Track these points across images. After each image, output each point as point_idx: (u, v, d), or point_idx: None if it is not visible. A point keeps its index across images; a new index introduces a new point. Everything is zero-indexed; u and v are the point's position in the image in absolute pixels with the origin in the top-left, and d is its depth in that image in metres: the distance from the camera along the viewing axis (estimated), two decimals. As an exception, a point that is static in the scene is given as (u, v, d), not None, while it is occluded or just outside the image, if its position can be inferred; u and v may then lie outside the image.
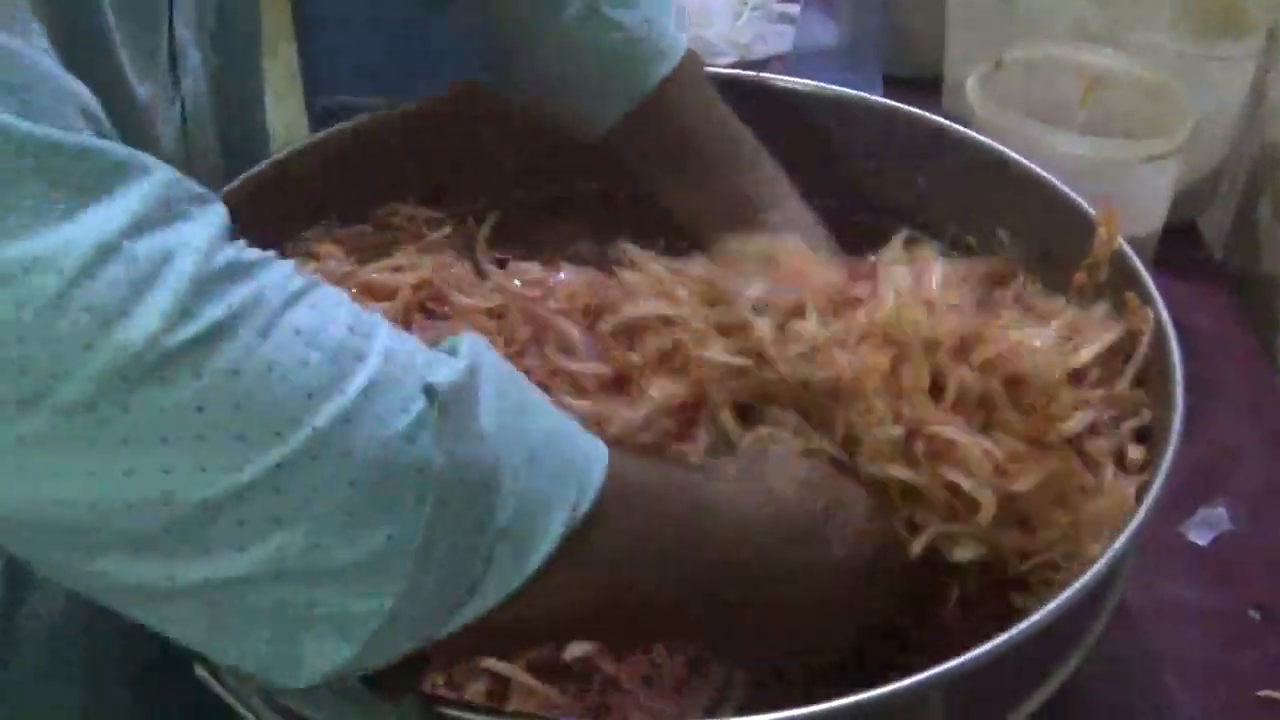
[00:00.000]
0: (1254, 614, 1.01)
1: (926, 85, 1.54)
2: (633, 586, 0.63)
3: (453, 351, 0.58)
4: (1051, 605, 0.67)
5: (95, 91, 0.55)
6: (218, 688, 0.70)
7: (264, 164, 0.98)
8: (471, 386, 0.56)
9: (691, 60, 1.03)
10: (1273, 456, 1.16)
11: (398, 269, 0.93)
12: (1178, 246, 1.33)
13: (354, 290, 0.88)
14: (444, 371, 0.55)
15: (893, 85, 1.48)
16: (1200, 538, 1.07)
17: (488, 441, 0.56)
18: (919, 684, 0.64)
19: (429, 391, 0.54)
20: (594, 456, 0.61)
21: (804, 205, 1.02)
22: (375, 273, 0.93)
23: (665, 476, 0.68)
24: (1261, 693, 0.95)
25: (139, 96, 0.81)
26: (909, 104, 1.09)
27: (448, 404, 0.54)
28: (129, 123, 0.80)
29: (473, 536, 0.55)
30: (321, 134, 1.03)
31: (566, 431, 0.61)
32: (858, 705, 0.63)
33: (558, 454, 0.59)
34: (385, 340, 0.55)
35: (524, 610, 0.57)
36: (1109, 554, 0.70)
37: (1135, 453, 0.83)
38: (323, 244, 0.98)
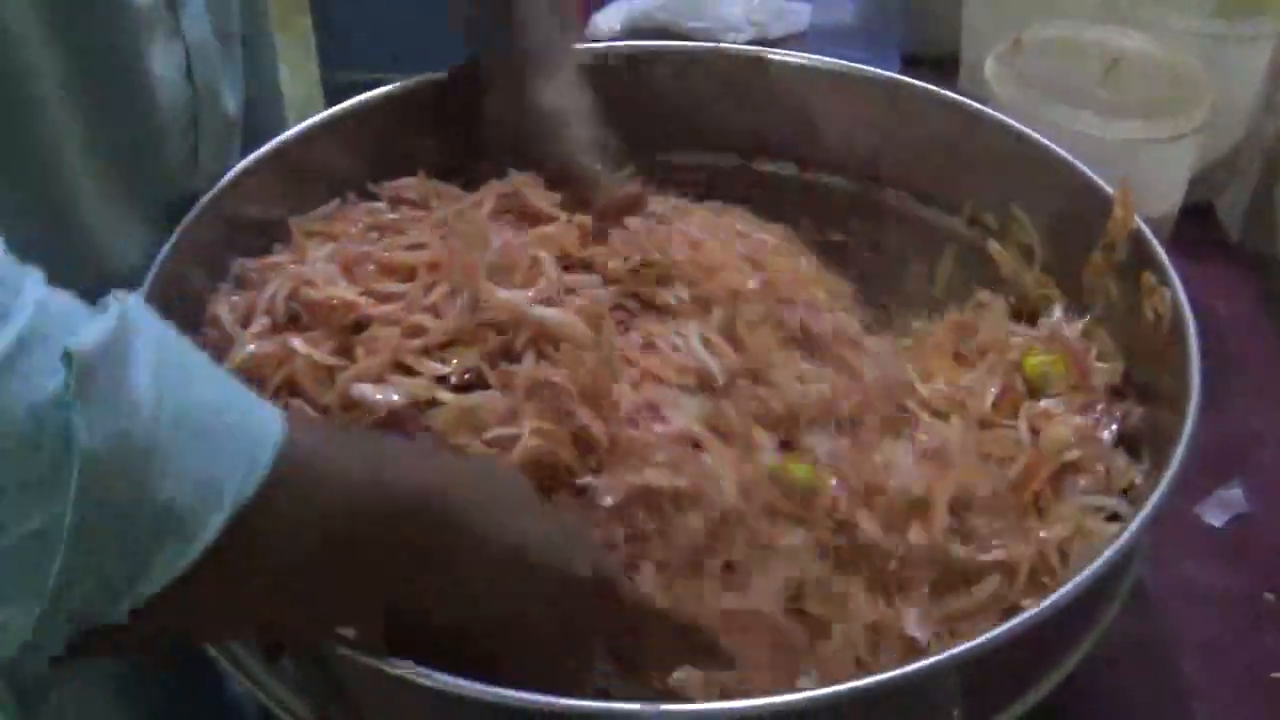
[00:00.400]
0: (1270, 596, 1.00)
1: (944, 64, 1.53)
2: (316, 562, 0.58)
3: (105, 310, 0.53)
4: (1067, 587, 0.67)
5: None
6: None
7: (278, 140, 0.98)
8: (120, 350, 0.51)
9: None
10: (1288, 439, 1.16)
11: (414, 247, 0.93)
12: (1195, 228, 1.32)
13: (372, 268, 0.88)
14: (88, 333, 0.50)
15: (910, 64, 1.48)
16: (1216, 519, 1.06)
17: (142, 411, 0.51)
18: (936, 665, 0.64)
19: (67, 356, 0.49)
20: (267, 427, 0.56)
21: (578, 74, 1.01)
22: (389, 250, 0.93)
23: (348, 446, 0.62)
24: (1275, 674, 0.94)
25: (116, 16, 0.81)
26: (925, 81, 1.09)
27: (93, 369, 0.49)
28: (102, 20, 0.80)
29: (133, 515, 0.51)
30: (336, 109, 1.03)
31: (238, 400, 0.57)
32: (876, 685, 0.63)
33: (226, 422, 0.55)
34: (37, 294, 0.50)
35: (203, 588, 0.54)
36: (1123, 538, 0.70)
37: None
38: (337, 222, 0.97)
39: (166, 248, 0.85)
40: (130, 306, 0.53)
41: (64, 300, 0.52)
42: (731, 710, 0.64)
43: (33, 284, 0.51)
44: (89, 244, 0.79)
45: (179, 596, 0.53)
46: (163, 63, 0.87)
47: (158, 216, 0.88)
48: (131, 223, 0.87)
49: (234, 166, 0.94)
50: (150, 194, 0.89)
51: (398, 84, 1.06)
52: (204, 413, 0.54)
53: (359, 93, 1.05)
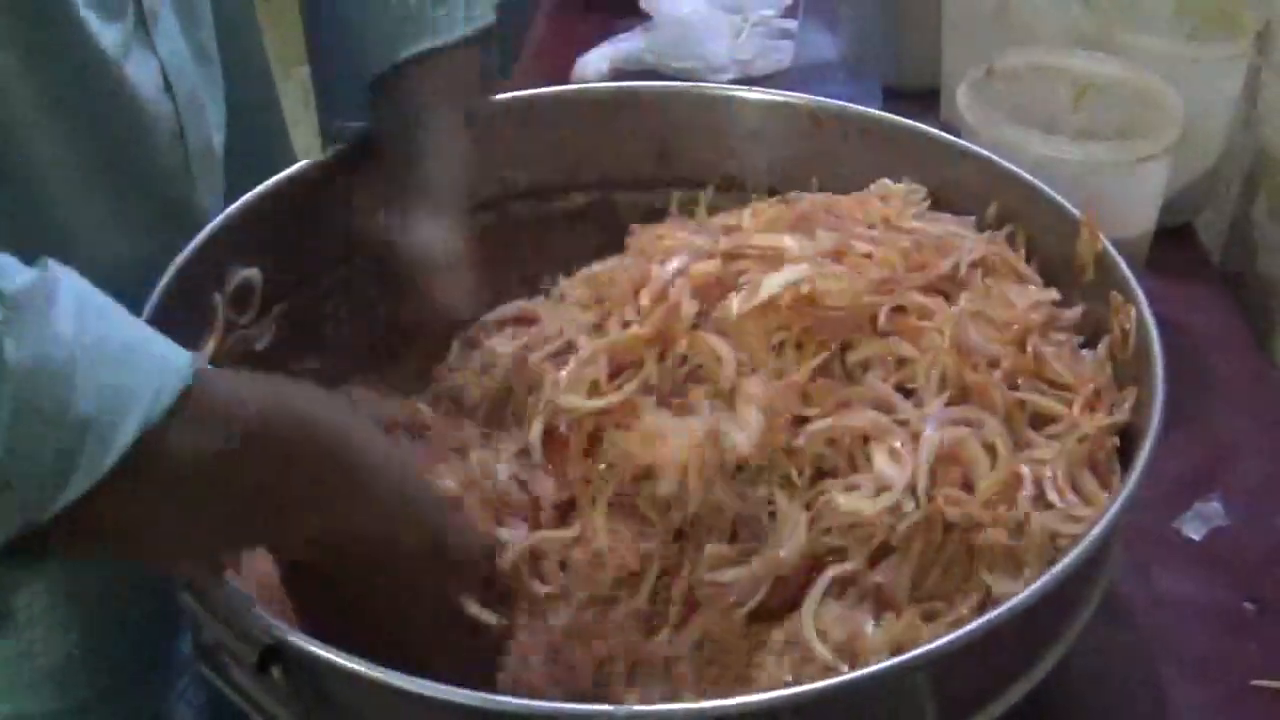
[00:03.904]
0: (1249, 606, 1.02)
1: (925, 96, 1.56)
2: (219, 479, 0.66)
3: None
4: (1034, 587, 0.69)
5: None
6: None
7: (270, 182, 1.01)
8: (45, 293, 0.60)
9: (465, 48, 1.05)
10: (1267, 453, 1.18)
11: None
12: (1174, 248, 1.35)
13: None
14: (19, 277, 0.60)
15: (892, 97, 1.50)
16: (1194, 532, 1.08)
17: (63, 339, 0.60)
18: (902, 664, 0.66)
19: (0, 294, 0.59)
20: (175, 360, 0.65)
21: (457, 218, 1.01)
22: None
23: (248, 381, 0.72)
24: (1256, 682, 0.96)
25: (91, 30, 0.87)
26: (907, 115, 1.10)
27: (19, 304, 0.59)
28: (75, 51, 0.86)
29: (57, 424, 0.59)
30: (329, 153, 1.06)
31: (149, 339, 0.66)
32: (838, 687, 0.65)
33: (138, 357, 0.63)
34: None
35: (116, 501, 0.62)
36: (1090, 537, 0.72)
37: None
38: None
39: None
40: (54, 264, 0.63)
41: (4, 258, 0.61)
42: (700, 711, 0.67)
43: None
44: (70, 246, 0.84)
45: (98, 504, 0.61)
46: (139, 76, 0.92)
47: (154, 222, 0.95)
48: (122, 227, 0.92)
49: (223, 183, 1.00)
50: (142, 201, 0.95)
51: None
52: (119, 346, 0.63)
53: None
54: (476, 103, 1.06)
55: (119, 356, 0.62)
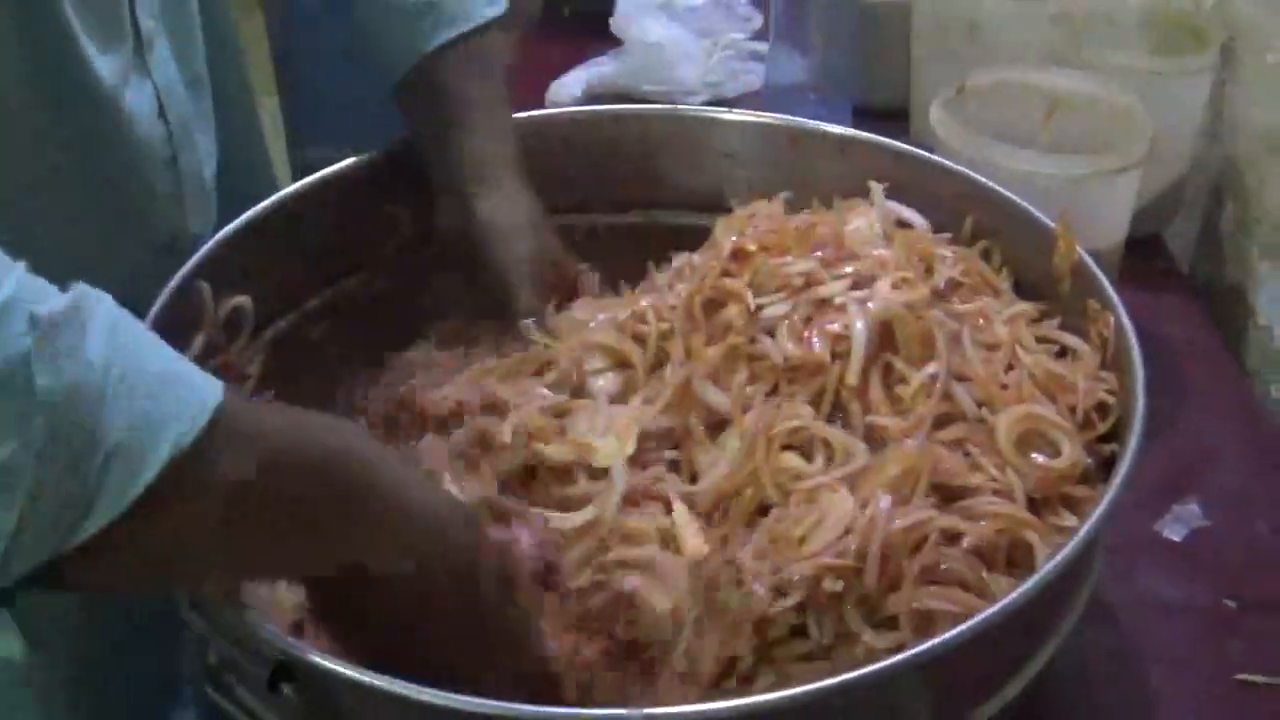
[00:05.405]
0: (1230, 604, 1.04)
1: (894, 115, 1.58)
2: (244, 510, 0.66)
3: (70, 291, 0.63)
4: (1021, 589, 0.71)
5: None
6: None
7: (254, 210, 1.02)
8: (77, 319, 0.61)
9: (487, 33, 1.09)
10: (1242, 455, 1.20)
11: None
12: (1144, 259, 1.37)
13: None
14: (53, 302, 0.60)
15: (861, 116, 1.52)
16: (1175, 534, 1.10)
17: (95, 367, 0.60)
18: (891, 667, 0.68)
19: (32, 319, 0.59)
20: (207, 392, 0.65)
21: (520, 183, 1.07)
22: None
23: (275, 413, 0.73)
24: (1239, 676, 0.98)
25: (90, 58, 0.88)
26: (878, 133, 1.13)
27: (54, 329, 0.59)
28: (74, 80, 0.88)
29: (85, 453, 0.59)
30: (313, 178, 1.08)
31: (182, 370, 0.66)
32: (828, 690, 0.67)
33: (169, 386, 0.63)
34: (19, 274, 0.60)
35: (142, 529, 0.62)
36: (1075, 540, 0.74)
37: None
38: None
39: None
40: (88, 290, 0.63)
41: (39, 281, 0.62)
42: (698, 713, 0.69)
43: (16, 269, 0.61)
44: (61, 273, 0.86)
45: (122, 534, 0.61)
46: (135, 100, 0.94)
47: (146, 251, 0.97)
48: (114, 255, 0.93)
49: (214, 212, 1.02)
50: (135, 229, 0.97)
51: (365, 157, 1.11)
52: (150, 377, 0.63)
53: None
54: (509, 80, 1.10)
55: (150, 387, 0.62)
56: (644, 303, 0.99)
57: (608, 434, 0.92)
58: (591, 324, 1.01)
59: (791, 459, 0.86)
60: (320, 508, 0.70)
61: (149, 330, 0.66)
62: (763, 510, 0.86)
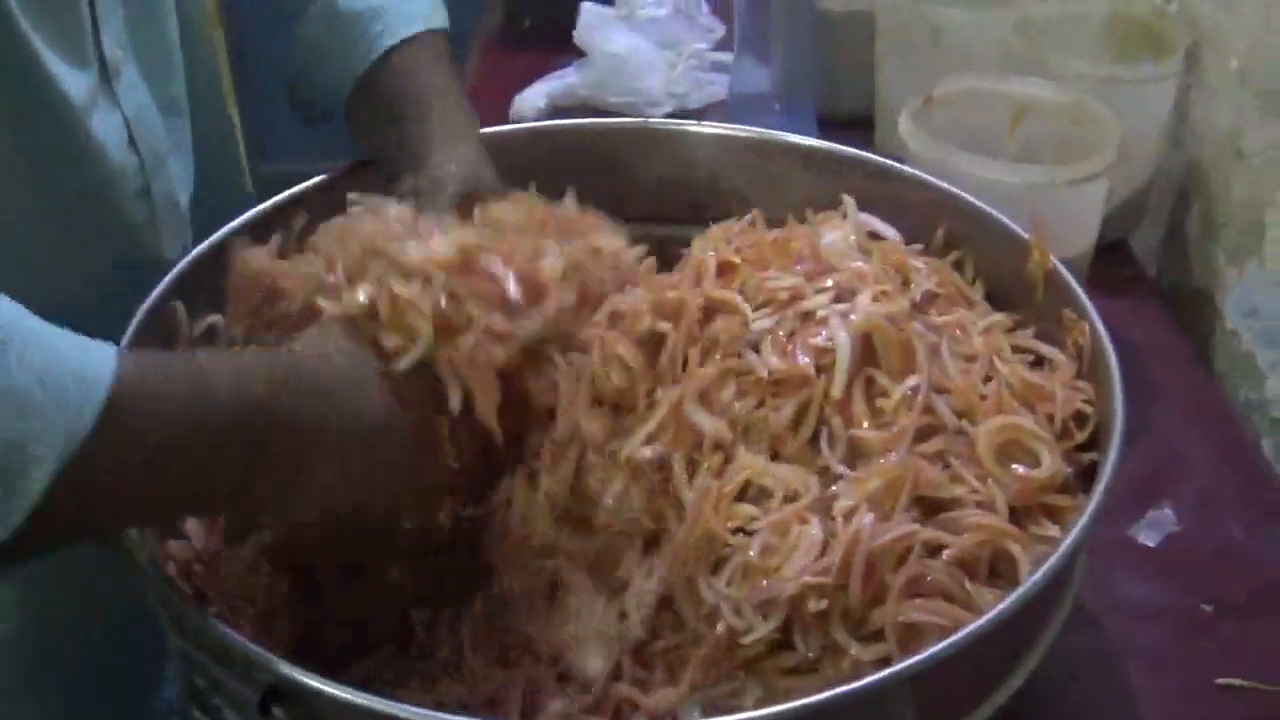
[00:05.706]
0: (1206, 607, 1.05)
1: (858, 124, 1.59)
2: (154, 478, 0.69)
3: None
4: (1007, 600, 0.71)
5: None
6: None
7: (227, 228, 1.01)
8: None
9: (430, 34, 1.10)
10: (1213, 458, 1.21)
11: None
12: (1111, 264, 1.38)
13: None
14: None
15: (825, 125, 1.52)
16: (1150, 539, 1.11)
17: None
18: (880, 681, 0.68)
19: None
20: (94, 373, 0.65)
21: (476, 150, 1.05)
22: None
23: (169, 372, 0.72)
24: (1219, 680, 0.99)
25: (56, 76, 0.88)
26: (844, 143, 1.13)
27: None
28: (37, 97, 0.88)
29: None
30: (285, 195, 1.06)
31: (62, 359, 0.65)
32: (818, 705, 0.67)
33: (47, 390, 0.63)
34: None
35: (42, 531, 0.64)
36: (1060, 550, 0.74)
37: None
38: None
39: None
40: None
41: None
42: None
43: None
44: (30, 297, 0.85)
45: (28, 536, 0.63)
46: (103, 128, 0.93)
47: (118, 275, 0.96)
48: (85, 279, 0.94)
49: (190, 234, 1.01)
50: (106, 255, 0.97)
51: (326, 173, 1.10)
52: (26, 385, 0.62)
53: (289, 184, 1.08)
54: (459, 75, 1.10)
55: (22, 402, 0.62)
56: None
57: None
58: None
59: (746, 509, 0.85)
60: (236, 461, 0.72)
61: (29, 323, 0.66)
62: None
